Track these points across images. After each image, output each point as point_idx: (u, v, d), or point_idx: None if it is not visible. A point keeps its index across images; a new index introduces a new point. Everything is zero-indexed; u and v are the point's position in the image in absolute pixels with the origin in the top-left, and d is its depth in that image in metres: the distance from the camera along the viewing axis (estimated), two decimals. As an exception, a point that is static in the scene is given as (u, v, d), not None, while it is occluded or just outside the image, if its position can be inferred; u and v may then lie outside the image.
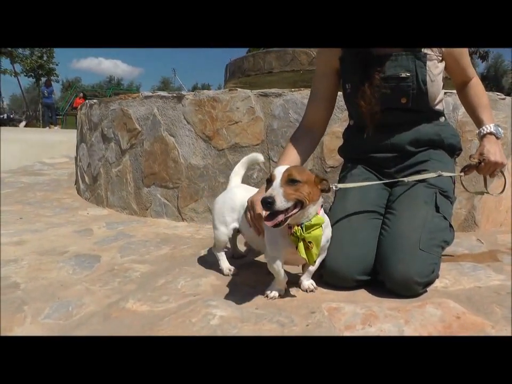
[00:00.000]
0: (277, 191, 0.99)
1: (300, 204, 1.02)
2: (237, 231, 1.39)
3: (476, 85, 1.41)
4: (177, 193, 2.22)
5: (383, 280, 1.19)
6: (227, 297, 1.17)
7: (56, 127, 13.07)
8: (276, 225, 1.00)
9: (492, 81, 29.52)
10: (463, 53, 1.37)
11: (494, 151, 1.30)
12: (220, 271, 1.39)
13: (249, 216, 1.23)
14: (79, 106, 3.31)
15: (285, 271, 1.16)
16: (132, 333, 0.98)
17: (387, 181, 1.37)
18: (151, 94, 2.32)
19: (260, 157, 1.45)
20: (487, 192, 1.45)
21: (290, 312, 1.07)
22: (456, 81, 1.44)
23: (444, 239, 1.26)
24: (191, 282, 1.31)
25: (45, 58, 22.49)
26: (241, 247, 1.71)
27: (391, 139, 1.37)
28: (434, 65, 1.32)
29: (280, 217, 0.99)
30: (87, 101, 2.99)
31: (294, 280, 1.26)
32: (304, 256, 1.07)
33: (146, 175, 2.32)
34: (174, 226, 2.12)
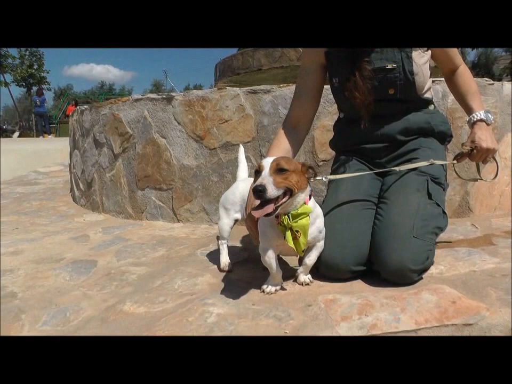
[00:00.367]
0: (267, 180, 1.00)
1: (289, 192, 1.04)
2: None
3: (464, 73, 1.41)
4: (172, 195, 2.21)
5: (378, 270, 1.19)
6: (224, 294, 1.17)
7: (50, 136, 13.03)
8: (267, 215, 1.00)
9: (483, 69, 29.53)
10: None
11: (485, 138, 1.31)
12: (216, 268, 1.40)
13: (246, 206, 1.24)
14: (70, 113, 3.29)
15: (280, 266, 1.17)
16: (129, 335, 0.98)
17: (379, 170, 1.37)
18: (140, 96, 2.31)
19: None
20: (481, 179, 1.46)
21: (287, 307, 1.07)
22: (444, 69, 1.44)
23: (438, 226, 1.26)
24: (187, 281, 1.31)
25: (35, 67, 22.38)
26: (238, 244, 1.71)
27: (381, 129, 1.38)
28: (420, 55, 1.32)
29: (271, 206, 1.00)
30: (78, 107, 2.98)
31: (290, 275, 1.26)
32: (292, 245, 1.07)
33: (140, 178, 2.31)
34: (169, 227, 2.12)
